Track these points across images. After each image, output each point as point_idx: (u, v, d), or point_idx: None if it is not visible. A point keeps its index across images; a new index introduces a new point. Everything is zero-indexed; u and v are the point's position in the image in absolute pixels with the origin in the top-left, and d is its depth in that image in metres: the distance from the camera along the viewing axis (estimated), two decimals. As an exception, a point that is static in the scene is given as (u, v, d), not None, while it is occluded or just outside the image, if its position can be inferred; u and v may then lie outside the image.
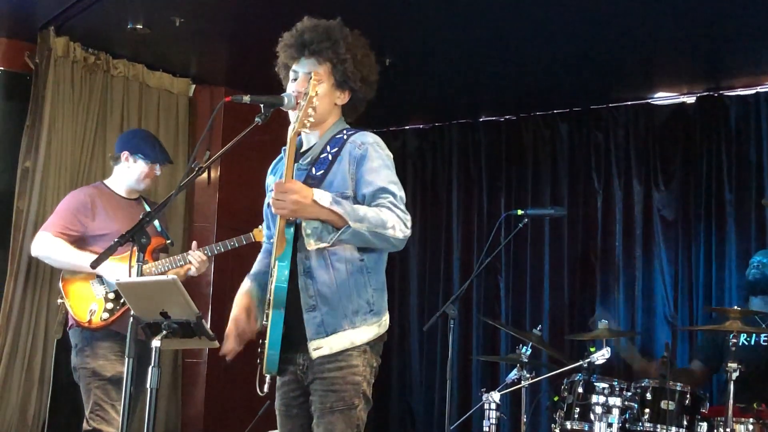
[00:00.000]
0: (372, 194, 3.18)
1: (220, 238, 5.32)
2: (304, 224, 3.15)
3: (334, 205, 3.05)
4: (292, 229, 3.14)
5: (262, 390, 3.36)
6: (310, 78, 3.20)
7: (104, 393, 4.79)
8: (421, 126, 8.09)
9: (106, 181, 5.24)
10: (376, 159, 3.24)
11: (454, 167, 7.80)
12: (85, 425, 4.80)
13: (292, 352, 3.22)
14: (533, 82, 6.77)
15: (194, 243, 5.13)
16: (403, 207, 3.21)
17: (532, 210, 5.35)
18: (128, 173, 5.15)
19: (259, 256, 3.59)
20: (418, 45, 6.11)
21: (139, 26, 5.92)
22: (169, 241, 5.20)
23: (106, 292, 4.87)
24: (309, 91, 3.08)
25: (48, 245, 4.92)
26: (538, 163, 7.37)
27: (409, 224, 3.19)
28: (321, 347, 3.15)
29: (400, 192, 3.24)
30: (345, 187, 3.20)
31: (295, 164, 3.25)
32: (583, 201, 7.11)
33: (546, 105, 7.32)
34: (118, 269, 4.71)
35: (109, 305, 4.85)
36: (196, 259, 4.98)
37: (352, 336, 3.18)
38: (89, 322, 4.82)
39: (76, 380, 4.93)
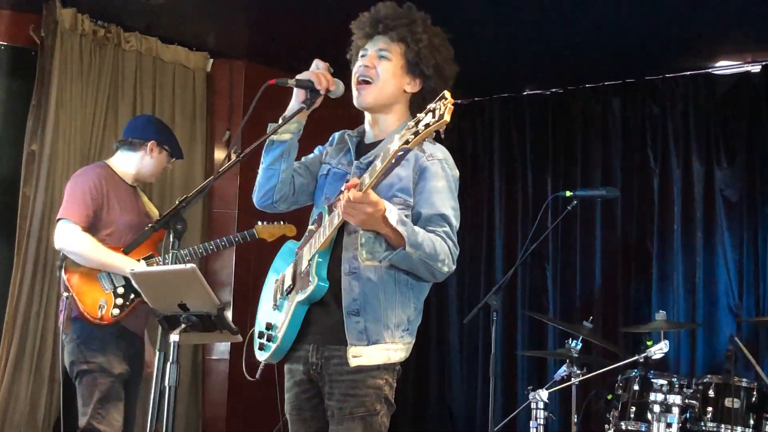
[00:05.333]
0: (429, 217, 3.19)
1: (242, 225, 5.32)
2: (360, 232, 3.16)
3: (399, 225, 3.04)
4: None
5: (253, 376, 3.44)
6: (382, 56, 3.26)
7: (110, 391, 4.72)
8: (459, 101, 8.06)
9: (109, 162, 5.08)
10: (442, 179, 3.24)
11: (495, 146, 7.82)
12: (82, 422, 4.72)
13: (304, 349, 3.23)
14: (582, 51, 6.76)
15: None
16: (455, 239, 3.21)
17: (581, 191, 5.33)
18: (148, 164, 5.05)
19: None
20: (456, 10, 6.06)
21: (153, -4, 5.95)
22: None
23: (115, 287, 4.79)
24: (446, 115, 2.67)
25: (79, 242, 4.73)
26: (588, 140, 7.38)
27: (455, 258, 3.19)
28: (360, 356, 3.13)
29: (457, 221, 3.24)
30: (408, 194, 3.21)
31: (356, 162, 3.30)
32: (637, 181, 7.11)
33: (596, 76, 7.33)
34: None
35: (119, 300, 4.77)
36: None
37: (391, 352, 3.17)
38: (101, 318, 4.73)
39: (70, 375, 4.82)
